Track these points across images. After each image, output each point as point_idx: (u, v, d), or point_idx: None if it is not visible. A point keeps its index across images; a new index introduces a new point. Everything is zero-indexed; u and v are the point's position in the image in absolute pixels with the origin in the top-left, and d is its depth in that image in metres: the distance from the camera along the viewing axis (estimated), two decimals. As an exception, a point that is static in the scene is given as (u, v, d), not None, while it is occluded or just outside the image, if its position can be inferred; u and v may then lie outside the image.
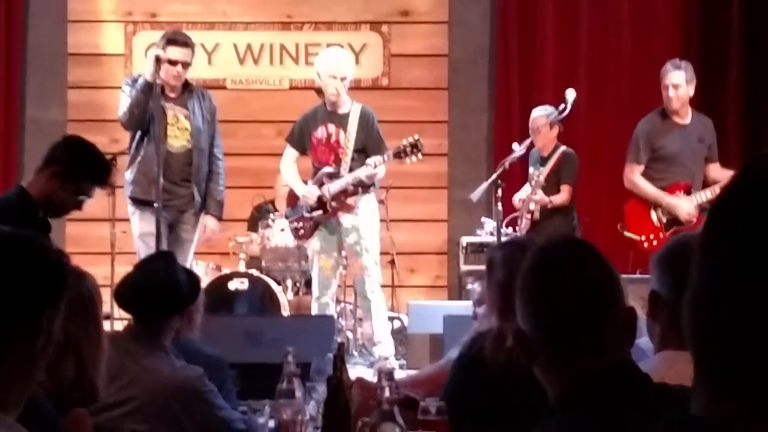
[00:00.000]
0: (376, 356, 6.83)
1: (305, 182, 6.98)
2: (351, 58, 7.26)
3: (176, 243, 6.49)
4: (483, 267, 7.36)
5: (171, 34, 6.72)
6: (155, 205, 6.20)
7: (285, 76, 9.01)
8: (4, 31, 8.80)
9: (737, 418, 0.92)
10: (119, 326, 6.66)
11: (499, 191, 6.61)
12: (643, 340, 2.61)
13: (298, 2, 9.01)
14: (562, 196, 7.22)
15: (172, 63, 6.49)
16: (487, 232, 7.97)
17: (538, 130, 7.22)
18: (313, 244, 6.94)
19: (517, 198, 7.30)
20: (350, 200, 6.80)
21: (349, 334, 7.63)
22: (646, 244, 6.87)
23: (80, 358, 2.62)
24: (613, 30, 8.79)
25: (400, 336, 7.52)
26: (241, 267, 7.73)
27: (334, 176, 6.82)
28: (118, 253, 7.20)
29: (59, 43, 8.91)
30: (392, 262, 8.13)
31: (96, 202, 7.82)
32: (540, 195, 7.09)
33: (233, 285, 7.37)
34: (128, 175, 6.59)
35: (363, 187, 6.78)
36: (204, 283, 6.25)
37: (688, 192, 6.83)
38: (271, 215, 7.92)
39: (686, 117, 6.89)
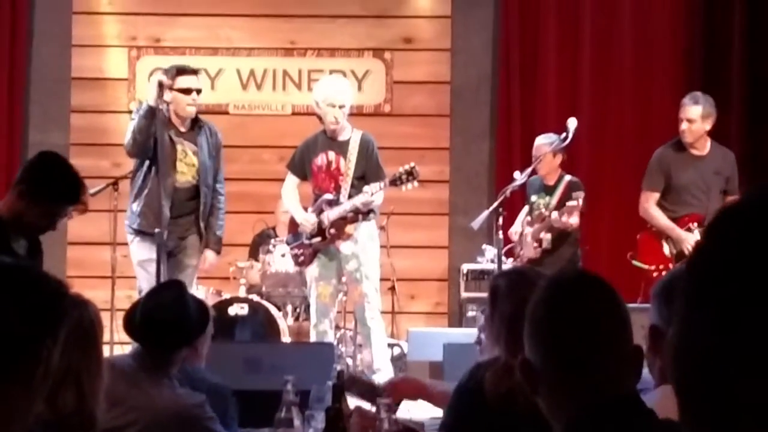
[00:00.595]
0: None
1: (306, 209, 7.00)
2: (349, 86, 7.25)
3: (177, 268, 6.49)
4: (484, 294, 7.35)
5: (178, 66, 6.72)
6: (156, 230, 6.19)
7: (287, 102, 9.04)
8: (8, 54, 8.83)
9: None
10: (118, 351, 6.67)
11: (500, 219, 6.60)
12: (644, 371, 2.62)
13: (302, 28, 9.05)
14: (576, 220, 7.17)
15: (186, 92, 6.50)
16: (487, 259, 7.97)
17: (542, 159, 7.21)
18: (312, 271, 6.94)
19: (515, 232, 7.29)
20: (349, 228, 6.80)
21: (349, 361, 7.62)
22: (655, 274, 6.86)
23: (80, 388, 2.61)
24: (615, 58, 8.81)
25: (399, 363, 7.50)
26: (242, 292, 7.73)
27: (333, 203, 6.83)
28: (119, 277, 7.20)
29: (63, 67, 8.94)
30: (392, 288, 8.13)
31: (96, 226, 7.92)
32: (556, 215, 7.06)
33: (233, 310, 7.37)
34: (135, 207, 6.57)
35: (361, 214, 6.79)
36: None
37: (701, 224, 6.80)
38: (272, 241, 7.93)
39: (703, 149, 6.86)
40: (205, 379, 3.92)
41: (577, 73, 8.84)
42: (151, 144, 6.38)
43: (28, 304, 1.63)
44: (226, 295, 7.61)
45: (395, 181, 6.80)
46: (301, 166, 7.00)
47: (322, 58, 9.05)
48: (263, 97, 9.05)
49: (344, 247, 6.83)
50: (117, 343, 6.80)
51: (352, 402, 4.47)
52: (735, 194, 6.86)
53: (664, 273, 6.77)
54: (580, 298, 1.95)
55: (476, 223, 6.89)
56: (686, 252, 6.79)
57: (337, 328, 7.45)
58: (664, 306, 2.44)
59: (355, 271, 6.81)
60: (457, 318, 8.47)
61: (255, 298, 7.55)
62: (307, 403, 3.69)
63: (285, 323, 7.50)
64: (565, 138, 6.97)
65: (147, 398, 3.44)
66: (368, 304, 6.80)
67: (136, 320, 3.60)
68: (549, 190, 7.35)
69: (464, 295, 8.12)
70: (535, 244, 7.22)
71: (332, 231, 6.79)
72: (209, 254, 6.74)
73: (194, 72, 6.65)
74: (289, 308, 7.85)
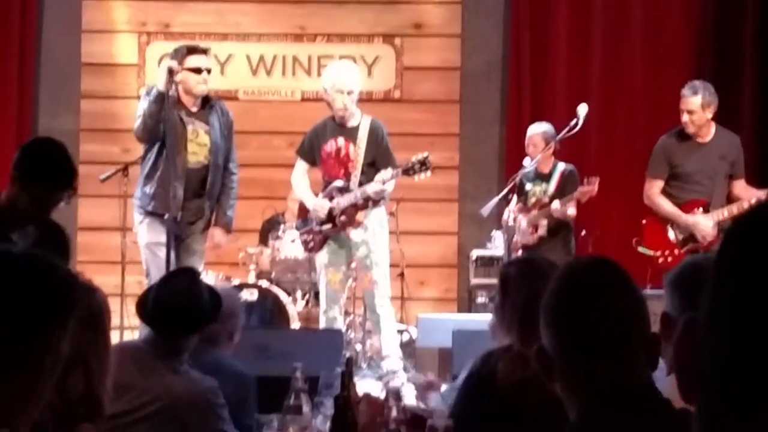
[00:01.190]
0: (384, 370, 6.82)
1: (316, 194, 6.99)
2: (358, 71, 7.21)
3: (186, 254, 6.47)
4: (493, 280, 7.35)
5: (189, 45, 6.73)
6: (166, 216, 6.19)
7: (297, 88, 9.02)
8: (18, 39, 8.83)
9: None
10: (128, 335, 6.68)
11: (510, 206, 6.60)
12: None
13: (312, 14, 9.03)
14: (573, 211, 7.22)
15: (196, 71, 6.49)
16: (497, 246, 7.96)
17: (536, 147, 7.24)
18: (322, 258, 6.94)
19: (506, 219, 7.22)
20: (359, 215, 6.79)
21: (358, 347, 7.63)
22: (660, 260, 6.86)
23: (88, 373, 2.62)
24: (626, 43, 8.78)
25: (408, 349, 7.51)
26: (251, 278, 7.73)
27: (344, 190, 6.82)
28: (129, 263, 7.19)
29: (73, 52, 8.94)
30: (402, 274, 8.13)
31: (106, 212, 7.93)
32: (557, 206, 7.08)
33: (243, 296, 7.36)
34: (148, 189, 6.51)
35: (372, 201, 6.78)
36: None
37: (706, 209, 6.79)
38: (282, 227, 7.93)
39: (707, 136, 6.84)
40: (229, 366, 3.96)
41: (587, 59, 8.81)
42: (161, 129, 6.36)
43: (38, 294, 1.63)
44: (235, 281, 7.61)
45: (408, 170, 6.77)
46: (310, 151, 6.98)
47: (332, 44, 9.03)
48: (273, 83, 9.03)
49: (354, 234, 6.82)
50: (127, 328, 6.81)
51: (361, 389, 4.48)
52: (741, 178, 6.85)
53: (669, 259, 6.77)
54: (596, 286, 1.94)
55: (486, 210, 6.89)
56: (697, 236, 6.78)
57: (346, 313, 7.45)
58: (677, 295, 2.43)
59: (365, 257, 6.80)
60: (466, 304, 8.47)
61: (264, 284, 7.55)
62: (317, 389, 3.70)
63: (294, 309, 7.51)
64: (575, 124, 6.95)
65: (159, 383, 3.46)
66: (378, 291, 6.80)
67: (149, 306, 3.61)
68: (544, 178, 7.35)
69: (473, 281, 8.12)
70: (531, 230, 7.23)
71: (342, 218, 6.78)
72: (218, 232, 6.66)
73: (204, 51, 6.63)
74: (299, 294, 7.85)
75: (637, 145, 8.49)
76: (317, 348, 5.45)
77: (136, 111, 6.60)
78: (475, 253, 8.16)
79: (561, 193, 7.23)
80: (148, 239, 6.50)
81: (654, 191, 6.93)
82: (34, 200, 4.26)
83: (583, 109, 6.92)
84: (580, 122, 6.93)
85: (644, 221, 7.07)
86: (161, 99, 6.31)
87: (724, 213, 6.70)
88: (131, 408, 3.36)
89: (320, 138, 6.92)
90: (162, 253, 6.15)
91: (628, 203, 7.80)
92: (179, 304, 3.58)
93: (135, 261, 6.97)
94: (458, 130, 8.97)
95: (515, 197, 7.25)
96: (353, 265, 7.02)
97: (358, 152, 6.83)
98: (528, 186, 7.35)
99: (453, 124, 8.96)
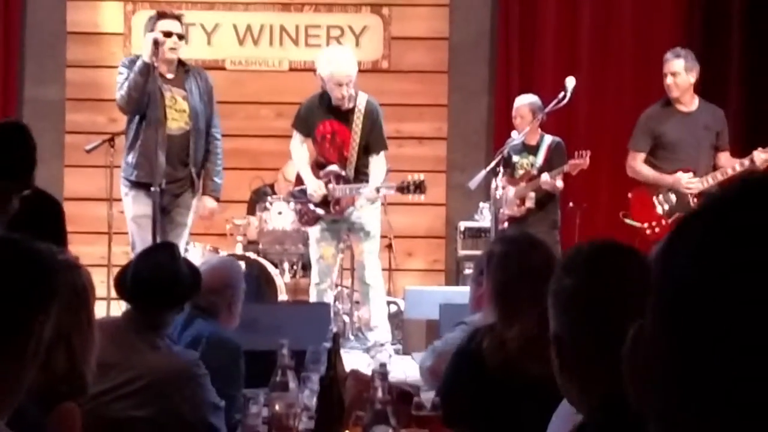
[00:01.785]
0: (372, 342, 6.82)
1: (312, 167, 6.95)
2: (353, 56, 7.04)
3: (170, 226, 6.45)
4: (480, 252, 7.35)
5: (160, 11, 6.74)
6: (152, 189, 6.16)
7: (284, 58, 8.97)
8: (2, 9, 8.75)
9: None
10: (115, 307, 6.66)
11: (497, 179, 6.58)
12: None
13: (299, -17, 8.97)
14: (561, 184, 7.22)
15: (166, 35, 6.44)
16: (485, 217, 7.96)
17: (524, 119, 7.24)
18: (315, 232, 6.92)
19: (497, 185, 7.18)
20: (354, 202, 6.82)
21: (346, 318, 7.63)
22: (648, 232, 6.88)
23: (71, 351, 2.61)
24: (615, 14, 8.75)
25: (396, 320, 7.52)
26: (239, 249, 7.72)
27: (340, 178, 6.79)
28: (115, 233, 7.16)
29: (58, 21, 8.87)
30: (390, 245, 8.12)
31: (93, 182, 7.88)
32: (547, 178, 7.08)
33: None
34: (130, 158, 6.50)
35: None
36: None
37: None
38: (269, 198, 7.90)
39: (690, 105, 6.86)
40: (218, 335, 4.05)
41: (576, 29, 8.77)
42: (146, 100, 6.33)
43: (20, 281, 1.61)
44: (222, 253, 7.59)
45: (401, 189, 6.80)
46: (305, 125, 6.92)
47: (320, 14, 8.97)
48: (260, 53, 8.98)
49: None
50: (114, 299, 6.78)
51: (348, 361, 4.48)
52: (726, 150, 6.87)
53: (657, 230, 6.79)
54: (612, 272, 1.89)
55: (473, 183, 6.88)
56: (684, 190, 6.76)
57: (335, 285, 7.45)
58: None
59: (359, 230, 6.80)
60: (453, 275, 8.47)
61: (252, 255, 7.53)
62: (303, 363, 3.69)
63: (282, 281, 7.50)
64: (563, 97, 6.94)
65: (140, 359, 3.46)
66: (369, 263, 6.80)
67: (128, 281, 3.60)
68: (531, 150, 7.34)
69: (461, 252, 8.12)
70: (518, 202, 7.23)
71: (336, 207, 6.78)
72: (208, 201, 6.64)
73: (175, 17, 6.59)
74: (286, 265, 7.84)
75: (625, 115, 8.47)
76: (304, 322, 5.45)
77: (117, 79, 6.55)
78: (463, 224, 8.16)
79: (549, 165, 7.23)
80: (134, 212, 6.48)
81: (636, 161, 6.94)
82: None
83: (571, 82, 6.91)
84: (568, 95, 6.92)
85: (630, 194, 7.08)
86: (147, 71, 6.28)
87: (709, 180, 6.72)
88: (113, 386, 3.36)
89: (315, 115, 6.86)
90: (147, 226, 6.12)
91: (616, 176, 7.78)
92: (159, 278, 3.57)
93: (121, 231, 6.95)
94: (446, 101, 8.93)
95: (502, 169, 7.24)
96: (345, 237, 7.02)
97: (353, 137, 6.77)
98: (515, 158, 7.34)
99: (441, 95, 8.93)
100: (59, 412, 2.53)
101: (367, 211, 6.81)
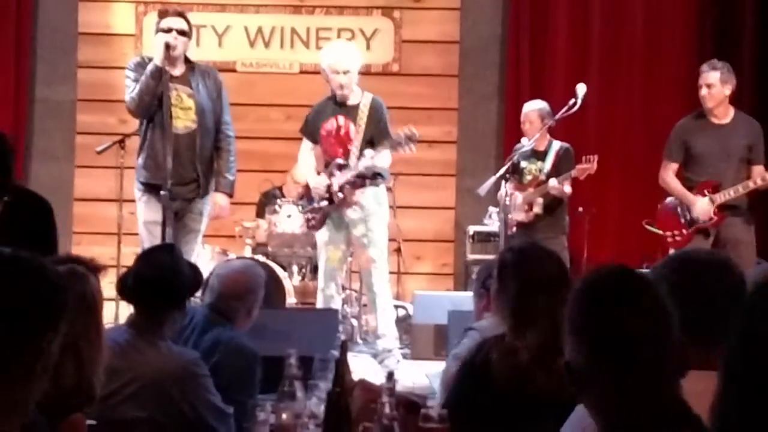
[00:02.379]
0: (380, 348, 6.82)
1: (319, 173, 6.94)
2: (355, 50, 7.09)
3: (183, 231, 6.35)
4: (490, 257, 7.35)
5: (162, 9, 6.74)
6: (162, 192, 6.12)
7: (295, 60, 8.98)
8: (14, 9, 8.78)
9: None
10: (123, 308, 6.66)
11: (507, 185, 6.58)
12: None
13: (310, -14, 8.98)
14: (569, 189, 7.21)
15: (167, 31, 6.38)
16: (494, 221, 7.96)
17: (532, 125, 7.23)
18: (322, 235, 6.90)
19: (500, 196, 7.16)
20: (357, 192, 6.73)
21: (354, 322, 7.64)
22: (669, 239, 6.88)
23: (80, 360, 2.62)
24: (626, 18, 8.74)
25: (404, 324, 7.51)
26: (248, 252, 7.73)
27: (343, 168, 6.78)
28: (125, 234, 7.15)
29: (70, 22, 8.89)
30: (398, 249, 8.13)
31: (103, 183, 7.90)
32: (554, 183, 7.08)
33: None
34: (140, 160, 6.41)
35: (367, 179, 6.73)
36: (210, 267, 6.25)
37: (716, 190, 6.78)
38: (279, 201, 7.91)
39: (724, 117, 6.82)
40: (235, 341, 4.07)
41: (587, 34, 8.77)
42: (156, 103, 6.28)
43: (29, 298, 1.62)
44: (231, 255, 7.60)
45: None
46: (312, 130, 6.92)
47: (331, 16, 8.98)
48: (271, 55, 8.99)
49: (351, 212, 6.77)
50: (123, 299, 6.79)
51: (356, 365, 4.48)
52: (759, 163, 6.80)
53: (678, 238, 6.80)
54: (624, 299, 1.90)
55: (483, 189, 6.87)
56: (695, 216, 6.77)
57: (343, 288, 7.44)
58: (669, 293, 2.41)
59: (363, 236, 6.76)
60: (462, 279, 8.47)
61: (261, 258, 7.54)
62: (311, 369, 3.69)
63: (290, 283, 7.51)
64: (574, 104, 6.92)
65: (141, 361, 3.49)
66: (375, 270, 6.76)
67: (129, 282, 3.62)
68: (539, 156, 7.33)
69: (470, 256, 8.12)
70: (526, 208, 7.22)
71: (340, 195, 6.74)
72: (220, 197, 6.43)
73: (178, 14, 6.53)
74: (295, 268, 7.85)
75: (635, 121, 8.47)
76: (313, 328, 5.45)
77: (125, 82, 6.48)
78: (472, 228, 8.16)
79: (557, 171, 7.22)
80: (146, 218, 6.38)
81: (667, 172, 6.93)
82: None
83: (581, 89, 6.89)
84: (579, 102, 6.90)
85: (660, 205, 7.07)
86: (159, 74, 6.22)
87: (730, 193, 6.70)
88: (116, 388, 3.38)
89: (321, 116, 6.87)
90: (158, 233, 6.10)
91: (626, 182, 7.79)
92: (160, 278, 3.61)
93: (132, 232, 6.94)
94: (457, 105, 8.93)
95: (510, 176, 7.23)
96: (351, 244, 7.01)
97: (357, 131, 6.78)
98: (523, 164, 7.33)
99: (451, 99, 8.93)
100: (69, 424, 2.54)
101: (371, 217, 6.77)
